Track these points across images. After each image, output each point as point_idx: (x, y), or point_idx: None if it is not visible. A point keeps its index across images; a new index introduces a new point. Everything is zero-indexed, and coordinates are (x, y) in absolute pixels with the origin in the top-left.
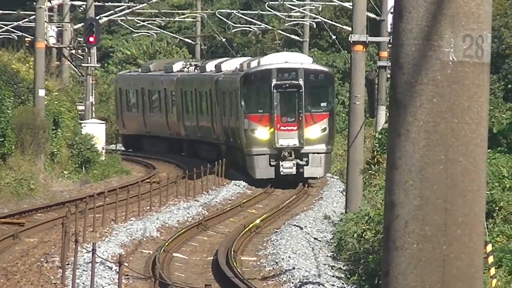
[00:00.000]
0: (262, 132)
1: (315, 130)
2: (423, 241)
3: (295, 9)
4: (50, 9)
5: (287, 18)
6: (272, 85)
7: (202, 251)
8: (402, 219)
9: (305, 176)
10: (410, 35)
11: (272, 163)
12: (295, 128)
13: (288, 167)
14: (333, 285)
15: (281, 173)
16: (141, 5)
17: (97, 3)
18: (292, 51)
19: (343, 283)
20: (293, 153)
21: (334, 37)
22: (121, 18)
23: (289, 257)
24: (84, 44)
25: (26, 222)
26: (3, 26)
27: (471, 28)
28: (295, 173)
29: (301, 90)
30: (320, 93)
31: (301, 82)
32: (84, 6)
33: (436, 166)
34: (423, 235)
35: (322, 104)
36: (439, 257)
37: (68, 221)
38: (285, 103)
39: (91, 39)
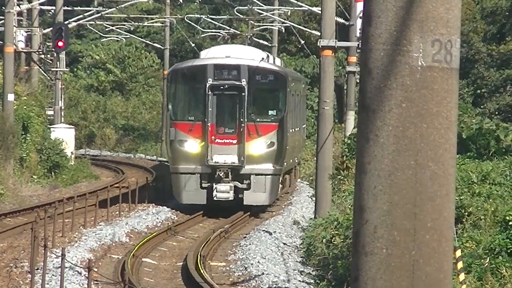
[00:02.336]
0: (192, 145)
1: (259, 145)
2: (392, 246)
3: (263, 14)
4: (19, 14)
5: (256, 23)
6: (207, 85)
7: (172, 256)
8: (371, 224)
9: (245, 203)
10: (379, 40)
11: (203, 185)
12: (234, 141)
13: (223, 190)
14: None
15: (215, 198)
16: (110, 10)
17: (66, 8)
18: None
19: (309, 282)
20: (230, 173)
21: (302, 42)
22: (90, 22)
23: (258, 262)
24: (53, 49)
25: None
26: None
27: (440, 33)
28: (232, 198)
29: (243, 94)
30: (269, 98)
31: (244, 83)
32: (53, 10)
33: (405, 171)
34: (392, 240)
35: (270, 113)
36: (408, 262)
37: (37, 226)
38: (223, 110)
39: (60, 43)
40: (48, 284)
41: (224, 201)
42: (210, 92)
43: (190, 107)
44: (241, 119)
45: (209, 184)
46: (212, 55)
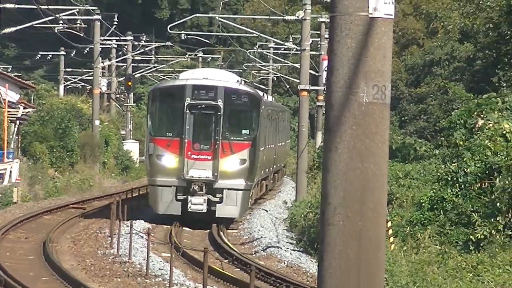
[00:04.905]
0: (169, 160)
1: (233, 162)
2: (346, 220)
3: (262, 69)
4: (103, 68)
5: (257, 74)
6: (186, 104)
7: (202, 226)
8: (332, 206)
9: (217, 215)
10: (338, 85)
11: (178, 197)
12: (209, 157)
13: (197, 203)
14: (287, 248)
15: (189, 209)
16: (162, 66)
17: (133, 64)
18: None
19: (294, 247)
20: (204, 187)
21: (287, 86)
22: (149, 73)
23: (258, 229)
24: (125, 91)
25: (87, 207)
26: (72, 79)
27: (378, 80)
28: (205, 210)
29: (219, 113)
30: (242, 118)
31: (220, 103)
32: (124, 66)
33: (354, 171)
34: (346, 216)
35: (243, 132)
36: (357, 230)
37: (114, 206)
38: (199, 127)
39: (129, 87)
40: (121, 244)
41: (198, 213)
42: (188, 111)
43: (169, 124)
44: (216, 137)
45: (184, 196)
46: (191, 77)
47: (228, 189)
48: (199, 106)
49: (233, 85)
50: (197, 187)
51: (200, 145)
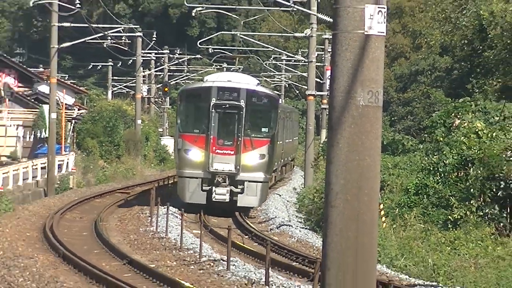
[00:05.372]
0: (196, 154)
1: (253, 157)
2: (346, 203)
3: (276, 77)
4: (144, 76)
5: (272, 81)
6: (211, 104)
7: (226, 215)
8: (334, 191)
9: (238, 205)
10: (339, 91)
11: (204, 188)
12: (232, 152)
13: (221, 193)
14: (297, 227)
15: (213, 199)
16: (193, 74)
17: (169, 73)
18: None
19: (302, 226)
20: (227, 179)
21: (297, 92)
22: (182, 81)
23: (273, 211)
24: (162, 95)
25: (130, 192)
26: (118, 85)
27: (372, 87)
28: (228, 200)
29: (241, 112)
30: (262, 117)
31: (242, 103)
32: (162, 74)
33: (352, 162)
34: (346, 200)
35: (263, 130)
36: (354, 212)
37: (153, 191)
38: (223, 125)
39: (165, 92)
40: (159, 223)
41: (221, 202)
42: (213, 110)
43: (196, 121)
44: (239, 134)
45: (209, 187)
46: (216, 79)
47: (249, 181)
48: (223, 106)
49: (254, 87)
50: (220, 179)
51: (224, 141)
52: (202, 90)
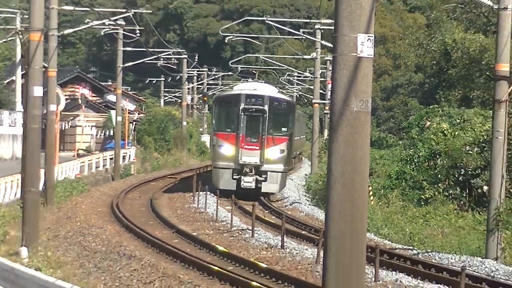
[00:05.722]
0: (228, 149)
1: (274, 151)
2: (343, 186)
3: (289, 89)
4: (188, 88)
5: (286, 92)
6: (241, 108)
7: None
8: (334, 177)
9: (262, 191)
10: (338, 100)
11: (234, 177)
12: (257, 148)
13: (248, 181)
14: (306, 204)
15: (242, 186)
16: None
17: (207, 86)
18: None
19: (310, 203)
20: (253, 169)
21: (306, 100)
22: (218, 92)
23: (287, 192)
24: (202, 103)
25: (178, 177)
26: (169, 95)
27: (363, 96)
28: (254, 187)
29: (265, 115)
30: (282, 119)
31: (266, 108)
32: (202, 87)
33: (349, 155)
34: (343, 184)
35: (282, 129)
36: (350, 193)
37: (196, 176)
38: (250, 125)
39: (205, 101)
40: (200, 201)
41: (248, 189)
42: (242, 113)
43: (227, 122)
44: (263, 133)
45: (238, 176)
46: (244, 88)
47: (271, 171)
48: (250, 110)
49: (275, 94)
50: (248, 169)
51: (250, 138)
52: (233, 96)
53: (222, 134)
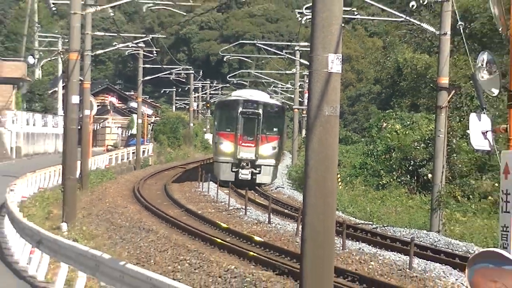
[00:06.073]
0: (228, 146)
1: (267, 148)
2: (318, 174)
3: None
4: (195, 97)
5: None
6: (239, 111)
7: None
8: (310, 167)
9: (256, 181)
10: (313, 106)
11: (233, 170)
12: (253, 145)
13: (245, 173)
14: (288, 188)
15: (239, 177)
16: (224, 96)
17: (210, 95)
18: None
19: (291, 188)
20: (249, 163)
21: (287, 106)
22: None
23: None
24: (206, 108)
25: (186, 167)
26: (179, 102)
27: (333, 103)
28: (249, 178)
29: (259, 118)
30: (274, 121)
31: (260, 111)
32: (205, 96)
33: (322, 152)
34: (316, 172)
35: (274, 129)
36: (322, 181)
37: (201, 166)
38: (247, 126)
39: (208, 107)
40: (204, 186)
41: (245, 180)
42: (240, 115)
43: (228, 123)
44: (257, 132)
45: (236, 169)
46: (241, 94)
47: (264, 165)
48: (247, 113)
49: (268, 100)
50: (245, 163)
51: (247, 137)
52: (233, 101)
53: (223, 133)
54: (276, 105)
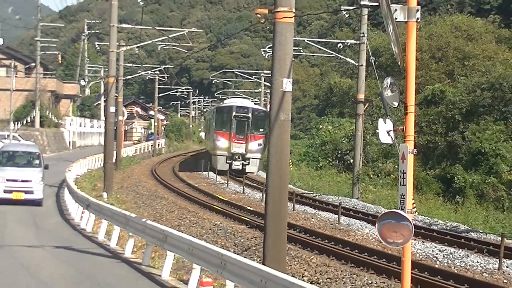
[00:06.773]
0: (223, 142)
1: (255, 145)
2: (275, 160)
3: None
4: (193, 108)
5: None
6: (233, 115)
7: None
8: (271, 155)
9: (246, 171)
10: (273, 113)
11: (227, 162)
12: (243, 142)
13: (237, 164)
14: (260, 172)
15: (232, 168)
16: (213, 107)
17: (203, 105)
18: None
19: (263, 172)
20: (241, 157)
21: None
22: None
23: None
24: (200, 115)
25: (188, 155)
26: (183, 111)
27: (286, 112)
28: (240, 169)
29: (249, 120)
30: (260, 123)
31: (250, 115)
32: (200, 106)
33: (278, 146)
34: (275, 158)
35: (260, 130)
36: (278, 163)
37: (197, 155)
38: (239, 126)
39: (202, 114)
40: (204, 170)
41: (237, 170)
42: (234, 118)
43: (223, 124)
44: (247, 132)
45: (230, 161)
46: (234, 102)
47: (252, 158)
48: (239, 116)
49: (256, 106)
50: (237, 156)
51: (239, 135)
52: (228, 107)
53: (220, 132)
54: (262, 110)
